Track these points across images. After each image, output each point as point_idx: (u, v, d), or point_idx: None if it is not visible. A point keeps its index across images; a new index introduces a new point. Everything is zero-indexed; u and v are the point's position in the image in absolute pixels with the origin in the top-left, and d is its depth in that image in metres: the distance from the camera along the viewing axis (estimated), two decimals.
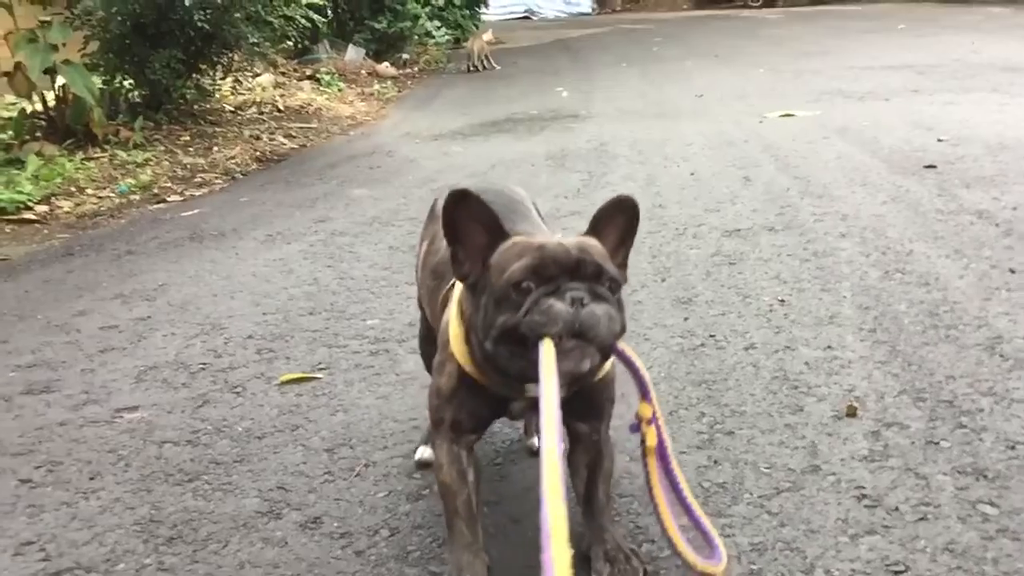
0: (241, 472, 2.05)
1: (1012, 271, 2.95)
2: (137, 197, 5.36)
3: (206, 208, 5.03)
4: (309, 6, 8.52)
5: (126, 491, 2.00)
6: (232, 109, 7.86)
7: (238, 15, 7.00)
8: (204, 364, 2.73)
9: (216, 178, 5.85)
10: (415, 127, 7.54)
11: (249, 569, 1.68)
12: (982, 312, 2.65)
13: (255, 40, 7.33)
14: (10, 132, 6.01)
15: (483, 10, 16.84)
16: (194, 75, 7.30)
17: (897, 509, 1.71)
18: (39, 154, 5.62)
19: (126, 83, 6.97)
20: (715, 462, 1.94)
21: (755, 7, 20.76)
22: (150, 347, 2.90)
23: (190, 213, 4.91)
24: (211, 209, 4.98)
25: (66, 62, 5.82)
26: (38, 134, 6.09)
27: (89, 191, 5.35)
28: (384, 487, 1.95)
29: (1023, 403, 2.08)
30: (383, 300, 3.21)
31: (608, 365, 1.53)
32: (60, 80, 5.94)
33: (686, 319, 2.80)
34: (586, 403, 1.52)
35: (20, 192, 5.03)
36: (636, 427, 1.54)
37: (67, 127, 6.11)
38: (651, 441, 1.53)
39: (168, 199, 5.35)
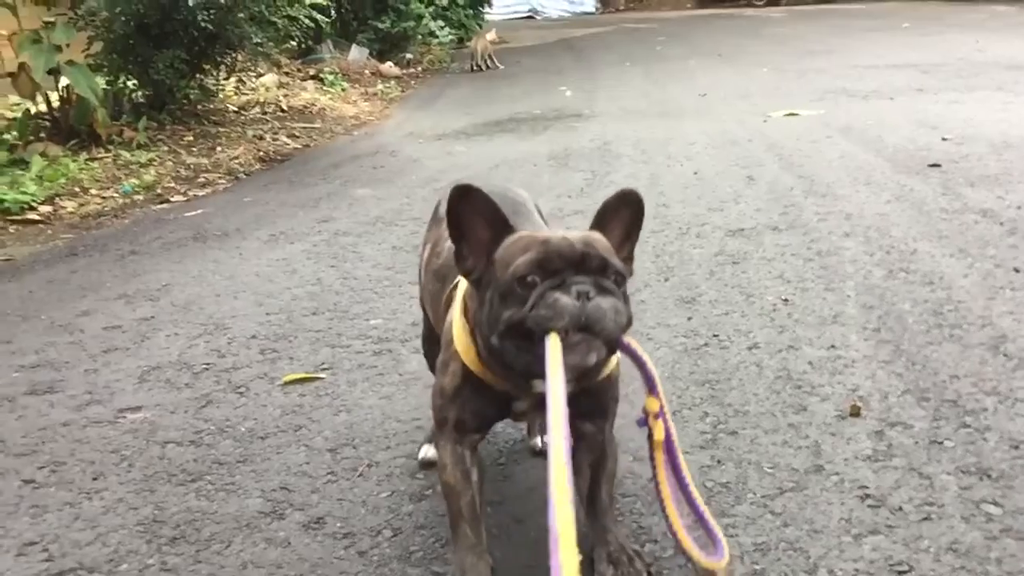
0: (244, 472, 2.05)
1: (1016, 270, 2.95)
2: (141, 197, 5.37)
3: (209, 208, 5.03)
4: (313, 6, 8.53)
5: (129, 491, 2.00)
6: (236, 109, 7.87)
7: (242, 15, 7.00)
8: (207, 364, 2.73)
9: (219, 178, 5.86)
10: (418, 127, 7.54)
11: (252, 569, 1.68)
12: (986, 311, 2.64)
13: (259, 40, 7.33)
14: (14, 133, 6.02)
15: (487, 9, 16.83)
16: (198, 75, 7.30)
17: (901, 509, 1.70)
18: (43, 155, 5.63)
19: (130, 83, 6.97)
20: (718, 462, 1.93)
21: (759, 6, 20.70)
22: (153, 347, 2.91)
23: (193, 213, 4.91)
24: (214, 209, 4.99)
25: (70, 63, 5.83)
26: (42, 135, 6.10)
27: (93, 191, 5.36)
28: (387, 487, 1.95)
29: None
30: (386, 300, 3.21)
31: (613, 363, 1.52)
32: (64, 81, 5.96)
33: (689, 319, 2.80)
34: (591, 402, 1.51)
35: (24, 192, 5.03)
36: (643, 421, 1.53)
37: (71, 128, 6.12)
38: (659, 435, 1.53)
39: (172, 199, 5.35)
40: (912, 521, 1.66)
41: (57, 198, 5.17)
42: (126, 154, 5.99)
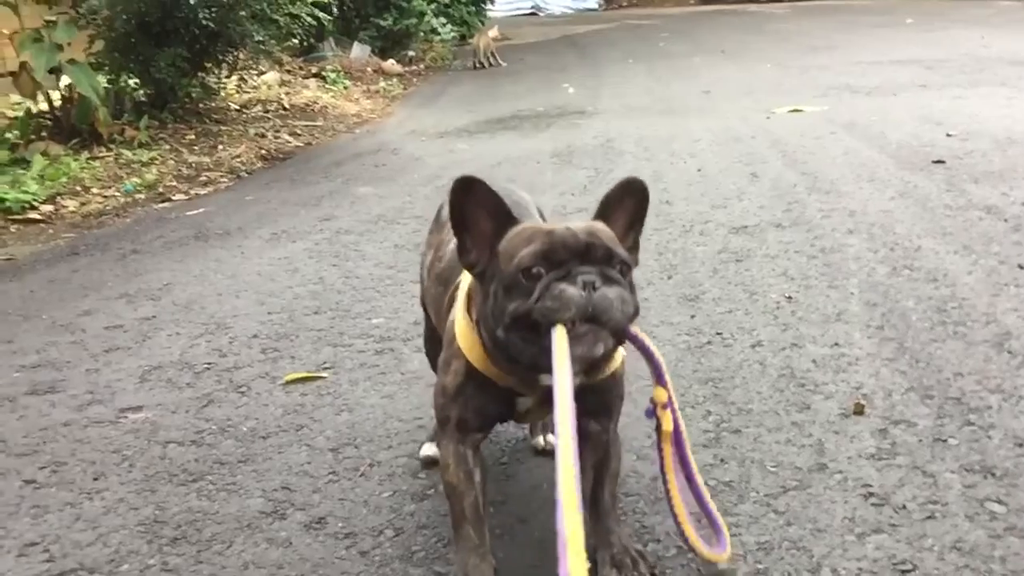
0: (245, 472, 2.05)
1: (1021, 267, 2.93)
2: (142, 196, 5.37)
3: (211, 207, 5.03)
4: (315, 4, 8.51)
5: (130, 491, 2.00)
6: (237, 107, 7.86)
7: (243, 13, 6.99)
8: (209, 364, 2.73)
9: (221, 177, 5.85)
10: (421, 124, 7.53)
11: (253, 570, 1.68)
12: (990, 308, 2.62)
13: (260, 38, 7.32)
14: (16, 132, 6.02)
15: (489, 6, 16.81)
16: (199, 73, 7.30)
17: (904, 507, 1.69)
18: (44, 154, 5.63)
19: (131, 82, 6.97)
20: (721, 460, 1.92)
21: (762, 1, 20.65)
22: (155, 347, 2.90)
23: (195, 212, 4.91)
24: (216, 208, 4.98)
25: (71, 61, 5.83)
26: (43, 134, 6.09)
27: (94, 190, 5.36)
28: (389, 487, 1.94)
29: None
30: (388, 299, 3.20)
31: (618, 360, 1.51)
32: (65, 80, 5.95)
33: (693, 316, 2.79)
34: (596, 400, 1.50)
35: (26, 192, 5.03)
36: (651, 412, 1.53)
37: (72, 126, 6.11)
38: (667, 426, 1.52)
39: (173, 198, 5.35)
40: (916, 520, 1.65)
41: (58, 197, 5.17)
42: (128, 153, 5.99)
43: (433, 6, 13.27)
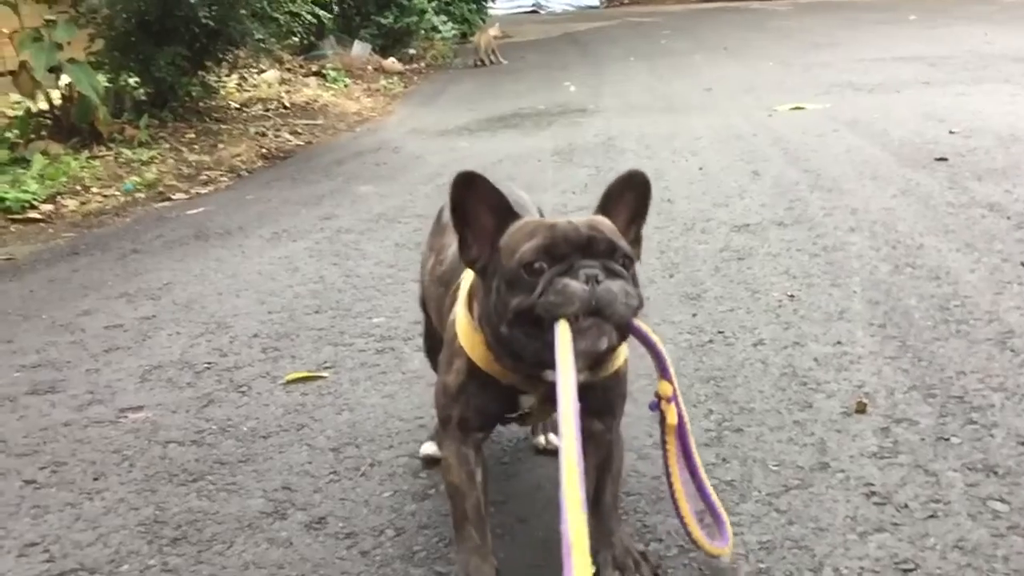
0: (246, 472, 2.04)
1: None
2: (142, 195, 5.36)
3: (211, 206, 5.02)
4: (315, 2, 8.50)
5: (130, 492, 1.99)
6: (237, 106, 7.85)
7: (243, 11, 6.98)
8: (209, 363, 2.72)
9: (221, 176, 5.84)
10: (421, 123, 7.52)
11: (254, 570, 1.67)
12: (993, 306, 2.62)
13: (261, 36, 7.31)
14: (15, 131, 6.01)
15: (490, 4, 16.79)
16: (199, 72, 7.28)
17: (906, 506, 1.69)
18: (44, 153, 5.62)
19: (131, 81, 6.96)
20: (723, 459, 1.92)
21: None
22: (155, 346, 2.90)
23: (195, 211, 4.90)
24: (216, 207, 4.98)
25: (71, 60, 5.81)
26: (43, 133, 6.08)
27: (94, 190, 5.35)
28: (390, 486, 1.94)
29: None
30: (389, 298, 3.19)
31: (622, 358, 1.50)
32: (65, 79, 5.94)
33: (694, 315, 2.78)
34: (599, 398, 1.48)
35: (25, 191, 5.02)
36: (655, 405, 1.52)
37: (72, 126, 6.10)
38: (671, 419, 1.51)
39: (173, 197, 5.34)
40: (918, 519, 1.65)
41: (58, 196, 5.16)
42: (127, 152, 5.98)
43: (434, 4, 13.25)
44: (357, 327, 2.93)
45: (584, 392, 1.26)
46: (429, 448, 1.99)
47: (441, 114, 7.92)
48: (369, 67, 10.72)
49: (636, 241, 1.48)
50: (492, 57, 11.78)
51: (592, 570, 0.99)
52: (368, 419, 2.26)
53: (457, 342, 1.50)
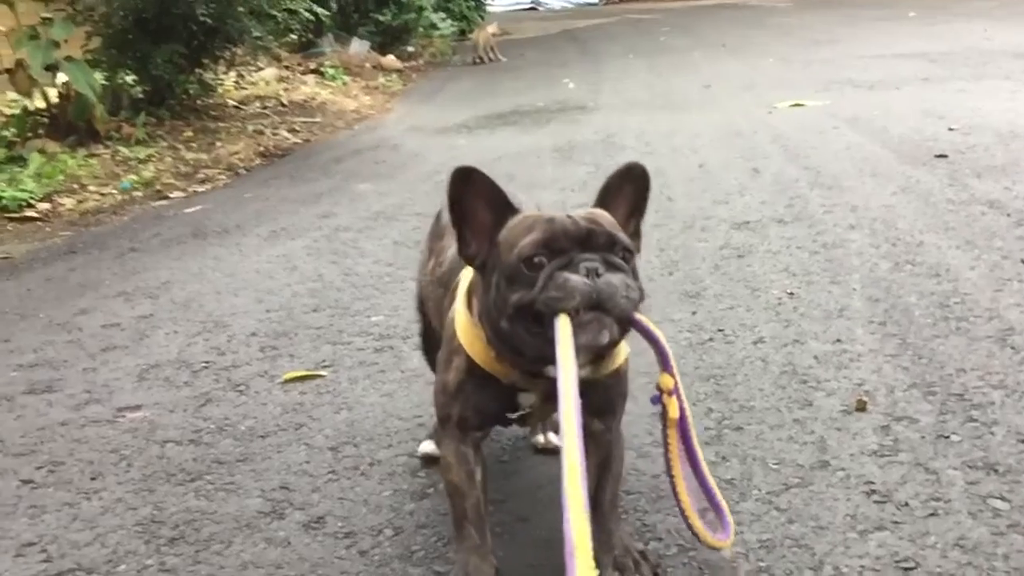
0: (244, 471, 2.03)
1: None
2: (140, 194, 5.35)
3: (209, 204, 5.01)
4: None
5: (128, 491, 1.99)
6: (235, 104, 7.84)
7: (241, 9, 6.97)
8: (207, 362, 2.71)
9: (219, 174, 5.83)
10: (420, 120, 7.51)
11: (252, 570, 1.66)
12: (993, 304, 2.61)
13: (258, 34, 7.30)
14: (12, 129, 6.00)
15: (488, 1, 16.77)
16: (197, 70, 7.27)
17: (907, 504, 1.68)
18: (41, 151, 5.61)
19: (128, 79, 6.94)
20: (723, 458, 1.91)
21: None
22: (152, 345, 2.89)
23: (193, 209, 4.89)
24: (214, 205, 4.97)
25: (68, 58, 5.80)
26: (40, 131, 6.06)
27: (92, 188, 5.34)
28: (388, 486, 1.93)
29: None
30: (388, 296, 3.19)
31: (622, 356, 1.49)
32: (62, 77, 5.93)
33: (694, 313, 2.77)
34: (600, 397, 1.47)
35: (23, 190, 5.01)
36: (657, 399, 1.51)
37: (69, 124, 6.08)
38: (673, 413, 1.50)
39: (171, 195, 5.33)
40: (918, 517, 1.64)
41: (55, 195, 5.15)
42: (125, 150, 5.97)
43: (432, 1, 13.24)
44: (356, 326, 2.92)
45: (585, 390, 1.26)
46: (428, 447, 1.99)
47: (440, 112, 7.90)
48: (367, 64, 10.70)
49: (635, 234, 1.47)
50: (491, 54, 11.76)
51: (596, 572, 0.98)
52: (367, 418, 2.25)
53: (456, 340, 1.49)
